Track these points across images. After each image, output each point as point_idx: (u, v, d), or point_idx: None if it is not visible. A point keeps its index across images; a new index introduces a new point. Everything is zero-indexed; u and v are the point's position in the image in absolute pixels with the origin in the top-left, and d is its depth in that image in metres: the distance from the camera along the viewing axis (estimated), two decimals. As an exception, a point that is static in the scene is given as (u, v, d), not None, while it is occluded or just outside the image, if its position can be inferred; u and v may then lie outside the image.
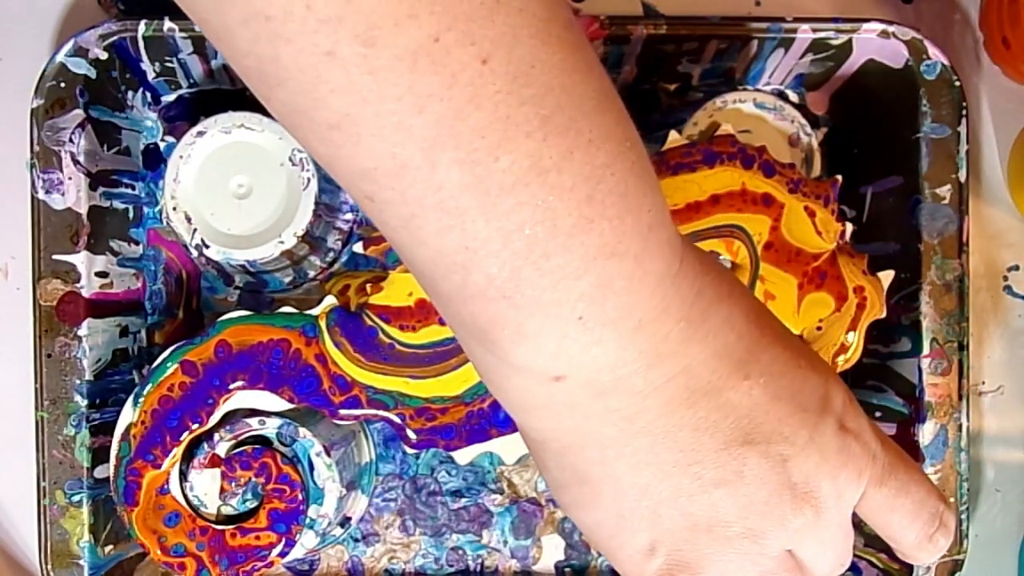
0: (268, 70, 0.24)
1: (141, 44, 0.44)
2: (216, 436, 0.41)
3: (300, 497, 0.41)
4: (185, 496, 0.41)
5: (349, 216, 0.47)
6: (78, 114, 0.43)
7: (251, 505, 0.42)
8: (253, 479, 0.41)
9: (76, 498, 0.43)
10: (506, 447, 0.42)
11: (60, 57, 0.43)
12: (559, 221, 0.26)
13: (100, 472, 0.44)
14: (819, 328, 0.42)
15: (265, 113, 0.42)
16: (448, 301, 0.28)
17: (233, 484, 0.41)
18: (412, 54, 0.23)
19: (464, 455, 0.42)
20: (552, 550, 0.48)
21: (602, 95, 0.27)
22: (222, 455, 0.41)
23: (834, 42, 0.44)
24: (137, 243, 0.47)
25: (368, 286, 0.42)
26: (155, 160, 0.47)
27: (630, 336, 0.28)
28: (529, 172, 0.25)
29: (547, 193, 0.25)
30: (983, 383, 0.49)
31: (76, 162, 0.43)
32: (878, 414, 0.46)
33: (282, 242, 0.42)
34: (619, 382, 0.29)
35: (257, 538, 0.41)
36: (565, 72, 0.25)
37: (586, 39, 0.27)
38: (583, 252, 0.26)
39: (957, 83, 0.44)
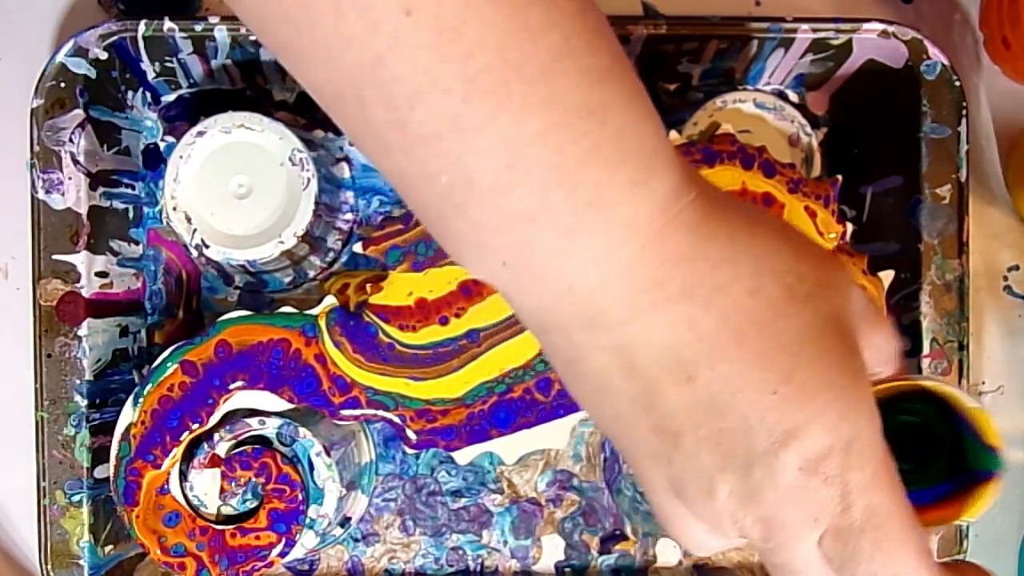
0: None
1: (141, 44, 0.44)
2: (216, 436, 0.41)
3: (300, 497, 0.41)
4: (185, 496, 0.41)
5: (349, 216, 0.47)
6: (78, 114, 0.43)
7: (251, 505, 0.42)
8: (253, 479, 0.41)
9: (76, 498, 0.43)
10: (506, 447, 0.42)
11: (60, 57, 0.43)
12: (475, 180, 0.26)
13: (100, 472, 0.44)
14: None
15: (265, 113, 0.42)
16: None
17: (233, 484, 0.41)
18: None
19: (464, 455, 0.42)
20: (552, 550, 0.48)
21: (558, 54, 0.26)
22: (222, 455, 0.41)
23: (834, 42, 0.44)
24: (137, 243, 0.47)
25: (368, 285, 0.42)
26: (155, 160, 0.47)
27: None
28: (444, 127, 0.25)
29: (464, 151, 0.26)
30: (983, 383, 0.49)
31: (76, 162, 0.43)
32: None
33: (282, 242, 0.42)
34: None
35: (257, 538, 0.41)
36: (504, 32, 0.25)
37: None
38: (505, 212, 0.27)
39: (957, 83, 0.44)
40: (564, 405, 0.42)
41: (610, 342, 0.29)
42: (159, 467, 0.41)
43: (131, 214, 0.47)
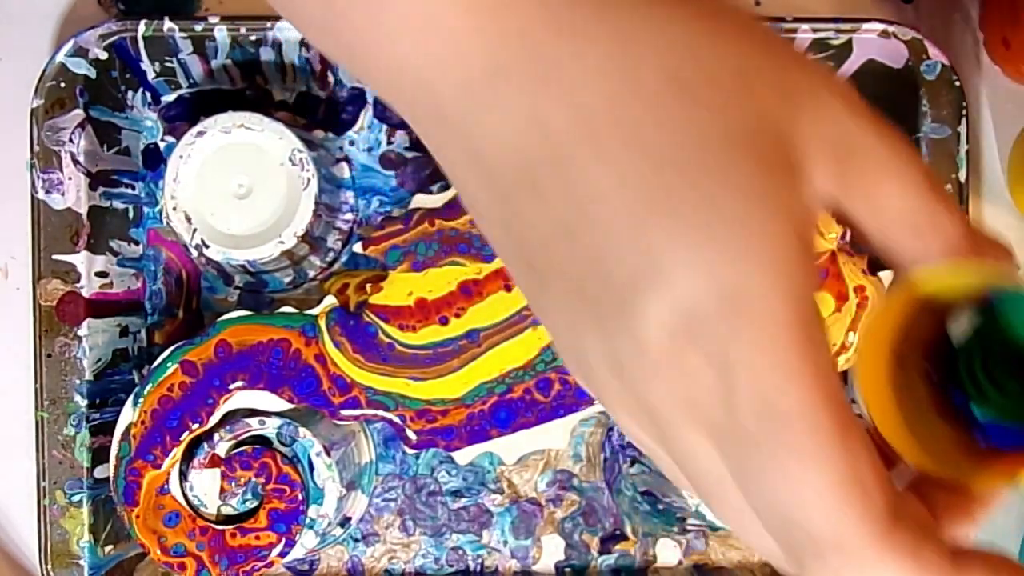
0: None
1: (141, 44, 0.44)
2: (216, 436, 0.41)
3: (300, 497, 0.41)
4: (185, 496, 0.41)
5: (349, 216, 0.47)
6: (78, 114, 0.43)
7: (251, 505, 0.42)
8: (253, 479, 0.41)
9: (76, 498, 0.43)
10: (506, 447, 0.42)
11: (60, 57, 0.43)
12: None
13: (100, 472, 0.44)
14: (819, 328, 0.42)
15: (265, 113, 0.42)
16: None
17: (233, 484, 0.41)
18: None
19: (464, 455, 0.42)
20: (552, 550, 0.48)
21: None
22: (222, 455, 0.41)
23: (834, 42, 0.44)
24: (137, 243, 0.47)
25: (368, 285, 0.42)
26: (155, 160, 0.47)
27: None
28: None
29: None
30: (983, 383, 0.49)
31: (76, 162, 0.43)
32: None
33: (282, 242, 0.42)
34: None
35: (257, 538, 0.41)
36: None
37: None
38: None
39: (957, 83, 0.44)
40: (564, 405, 0.42)
41: (460, 142, 0.23)
42: (159, 467, 0.41)
43: (131, 214, 0.47)
